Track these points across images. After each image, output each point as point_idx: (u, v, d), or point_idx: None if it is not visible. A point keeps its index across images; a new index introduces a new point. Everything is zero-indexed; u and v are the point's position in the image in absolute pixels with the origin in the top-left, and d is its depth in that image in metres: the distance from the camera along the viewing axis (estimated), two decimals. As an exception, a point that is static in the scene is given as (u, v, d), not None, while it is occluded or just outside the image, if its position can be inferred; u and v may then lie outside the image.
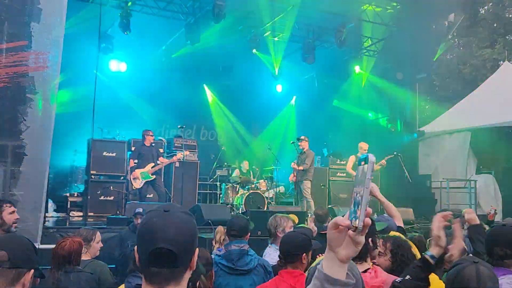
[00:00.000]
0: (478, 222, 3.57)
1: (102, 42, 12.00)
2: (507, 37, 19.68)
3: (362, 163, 1.21)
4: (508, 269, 2.78)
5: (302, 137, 10.83)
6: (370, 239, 2.49)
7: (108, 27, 12.23)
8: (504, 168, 13.26)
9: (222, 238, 4.86)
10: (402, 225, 3.89)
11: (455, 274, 2.20)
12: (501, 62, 16.72)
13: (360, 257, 2.44)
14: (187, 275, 1.49)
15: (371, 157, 1.19)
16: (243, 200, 10.82)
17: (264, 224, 6.59)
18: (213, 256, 4.10)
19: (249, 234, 4.03)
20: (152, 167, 9.80)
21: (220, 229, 5.03)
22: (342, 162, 12.88)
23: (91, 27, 11.34)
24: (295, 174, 10.65)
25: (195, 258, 1.51)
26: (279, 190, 12.85)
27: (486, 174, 13.43)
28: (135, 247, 1.48)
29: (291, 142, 11.82)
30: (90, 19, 11.17)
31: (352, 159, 11.14)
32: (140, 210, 6.43)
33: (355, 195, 1.20)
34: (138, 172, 9.68)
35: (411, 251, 2.97)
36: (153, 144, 10.08)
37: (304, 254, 3.09)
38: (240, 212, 10.32)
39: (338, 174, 12.79)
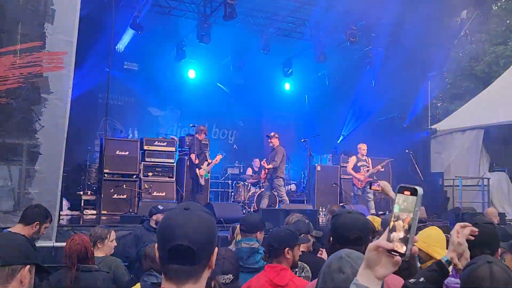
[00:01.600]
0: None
1: (114, 40, 12.08)
2: (521, 34, 19.51)
3: (407, 192, 1.29)
4: None
5: (272, 134, 10.58)
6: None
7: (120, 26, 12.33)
8: (517, 166, 13.16)
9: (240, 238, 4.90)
10: None
11: (467, 274, 2.17)
12: (514, 58, 16.58)
13: None
14: (206, 273, 1.52)
15: (420, 191, 1.27)
16: (255, 198, 10.87)
17: (276, 222, 6.66)
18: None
19: (261, 232, 4.05)
20: (207, 165, 10.08)
21: (239, 229, 5.06)
22: (353, 160, 12.85)
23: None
24: (266, 172, 10.56)
25: (214, 257, 1.54)
26: (291, 188, 12.88)
27: (499, 171, 13.33)
28: (155, 245, 1.52)
29: (302, 140, 11.83)
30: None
31: (353, 159, 11.03)
32: (160, 207, 6.46)
33: (396, 219, 1.27)
34: (202, 170, 9.99)
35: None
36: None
37: (288, 248, 3.13)
38: (251, 210, 10.37)
39: (350, 172, 12.75)
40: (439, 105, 18.60)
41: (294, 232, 3.35)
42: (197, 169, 10.03)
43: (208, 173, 10.20)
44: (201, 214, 1.52)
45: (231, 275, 3.02)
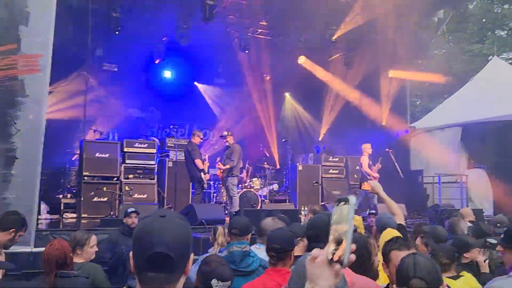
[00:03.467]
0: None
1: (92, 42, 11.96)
2: (496, 32, 19.82)
3: (342, 203, 1.31)
4: None
5: (225, 133, 10.57)
6: None
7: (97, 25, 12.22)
8: (494, 163, 13.33)
9: (223, 240, 4.85)
10: (403, 222, 3.93)
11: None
12: (491, 57, 16.83)
13: None
14: (182, 280, 1.52)
15: (352, 199, 1.30)
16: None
17: (257, 223, 6.64)
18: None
19: (250, 234, 4.04)
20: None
21: (221, 230, 5.01)
22: (334, 159, 12.94)
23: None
24: (221, 171, 10.54)
25: (190, 263, 1.54)
26: (273, 188, 12.90)
27: (478, 168, 13.52)
28: (131, 253, 1.51)
29: (283, 140, 11.88)
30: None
31: (365, 159, 11.29)
32: (133, 209, 6.39)
33: (334, 232, 1.29)
34: (208, 174, 10.19)
35: (367, 249, 2.96)
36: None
37: (292, 250, 3.14)
38: (233, 211, 10.34)
39: (331, 171, 12.84)
40: (418, 103, 18.80)
41: (295, 232, 3.36)
42: (202, 174, 10.02)
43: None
44: (177, 221, 1.51)
45: (230, 282, 2.99)
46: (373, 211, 6.88)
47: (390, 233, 3.70)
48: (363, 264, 2.86)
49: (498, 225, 5.10)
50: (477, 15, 19.68)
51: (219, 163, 10.56)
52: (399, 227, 3.83)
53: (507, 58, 19.94)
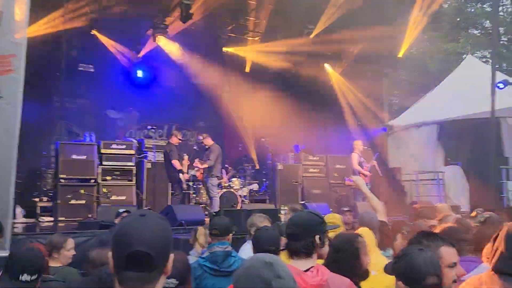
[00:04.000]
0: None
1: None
2: (470, 31, 20.19)
3: None
4: None
5: (201, 137, 10.75)
6: (318, 237, 2.50)
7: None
8: (469, 159, 13.58)
9: (204, 241, 4.83)
10: (385, 219, 3.96)
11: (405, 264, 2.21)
12: (465, 55, 17.13)
13: (307, 254, 2.47)
14: (162, 279, 1.51)
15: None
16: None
17: (238, 223, 6.64)
18: (192, 258, 4.11)
19: (231, 235, 4.02)
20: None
21: (202, 231, 4.99)
22: (314, 158, 12.99)
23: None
24: (201, 172, 10.56)
25: (170, 263, 1.53)
26: (253, 188, 12.89)
27: (454, 165, 13.74)
28: (109, 253, 1.49)
29: (262, 139, 11.91)
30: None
31: (355, 156, 11.35)
32: (124, 209, 6.30)
33: None
34: (186, 174, 10.17)
35: (353, 248, 2.97)
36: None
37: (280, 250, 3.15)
38: (213, 211, 10.30)
39: (311, 170, 12.88)
40: (395, 101, 19.00)
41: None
42: (181, 174, 9.97)
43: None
44: (157, 220, 1.52)
45: (175, 280, 2.92)
46: (347, 208, 6.88)
47: (362, 231, 3.70)
48: (347, 263, 2.87)
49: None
50: (451, 14, 20.01)
51: (197, 161, 10.53)
52: (381, 224, 3.86)
53: (480, 56, 20.35)
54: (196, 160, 10.60)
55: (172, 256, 1.54)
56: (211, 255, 3.65)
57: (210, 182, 10.27)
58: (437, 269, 2.14)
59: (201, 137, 10.51)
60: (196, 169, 10.70)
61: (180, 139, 10.52)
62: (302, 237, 2.51)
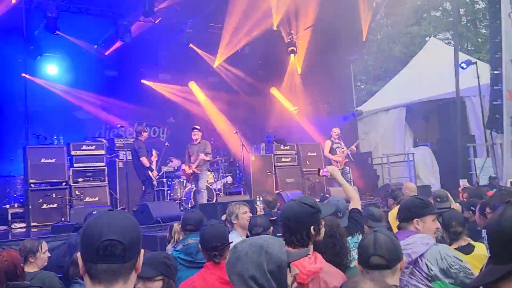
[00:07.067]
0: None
1: (29, 45, 11.55)
2: (432, 13, 20.51)
3: None
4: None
5: (199, 127, 10.70)
6: (312, 227, 2.48)
7: (35, 29, 11.82)
8: (437, 140, 13.90)
9: (180, 237, 4.81)
10: (359, 207, 3.99)
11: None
12: (428, 37, 17.42)
13: (303, 244, 2.47)
14: (134, 276, 1.50)
15: None
16: (191, 194, 10.78)
17: (215, 216, 6.65)
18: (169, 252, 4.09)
19: None
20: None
21: (176, 227, 4.98)
22: (286, 148, 13.06)
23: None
24: (196, 167, 10.27)
25: (141, 259, 1.53)
26: (227, 181, 12.89)
27: (423, 146, 14.04)
28: (78, 253, 1.48)
29: (234, 132, 11.92)
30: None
31: (328, 143, 11.51)
32: (94, 212, 6.23)
33: None
34: (155, 171, 9.99)
35: (339, 230, 3.06)
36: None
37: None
38: (189, 206, 10.28)
39: (283, 159, 12.95)
40: (362, 87, 19.24)
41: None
42: (150, 172, 9.86)
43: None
44: (125, 214, 1.53)
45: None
46: (324, 195, 6.99)
47: None
48: (335, 244, 2.96)
49: (438, 199, 5.29)
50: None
51: (202, 155, 10.17)
52: (354, 211, 3.90)
53: (443, 38, 20.73)
54: (201, 154, 10.36)
55: (143, 251, 1.54)
56: (186, 247, 3.63)
57: (207, 176, 10.59)
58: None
59: (199, 127, 10.57)
60: (189, 166, 10.42)
61: (145, 136, 10.33)
62: (296, 230, 2.48)
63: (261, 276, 1.59)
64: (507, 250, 1.43)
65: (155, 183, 10.13)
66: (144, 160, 9.78)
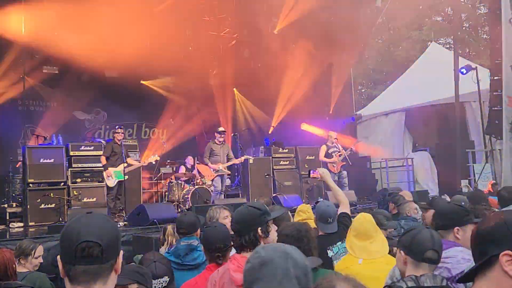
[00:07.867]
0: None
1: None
2: (433, 18, 20.51)
3: None
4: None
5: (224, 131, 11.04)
6: (260, 229, 2.55)
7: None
8: (437, 145, 13.89)
9: (173, 239, 4.82)
10: (348, 211, 3.99)
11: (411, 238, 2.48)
12: (429, 42, 17.45)
13: (253, 247, 2.50)
14: (114, 277, 1.52)
15: None
16: (189, 196, 10.78)
17: (209, 218, 6.63)
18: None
19: (199, 230, 4.02)
20: (124, 167, 9.67)
21: (170, 230, 4.97)
22: (284, 151, 13.05)
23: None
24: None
25: (120, 260, 1.55)
26: (225, 183, 12.88)
27: (422, 151, 14.02)
28: (58, 256, 1.49)
29: (232, 134, 11.94)
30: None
31: (323, 148, 11.51)
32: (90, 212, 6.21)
33: None
34: (111, 170, 9.57)
35: (308, 237, 3.07)
36: (122, 143, 9.92)
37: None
38: (186, 208, 10.28)
39: (281, 162, 12.93)
40: (363, 91, 19.24)
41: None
42: (104, 172, 9.72)
43: (125, 175, 9.85)
44: (104, 217, 1.56)
45: (167, 277, 2.97)
46: (321, 200, 6.97)
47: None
48: (300, 247, 2.94)
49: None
50: (414, 2, 20.28)
51: (234, 159, 10.90)
52: (343, 215, 3.90)
53: (444, 43, 20.74)
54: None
55: (122, 252, 1.56)
56: (175, 250, 3.67)
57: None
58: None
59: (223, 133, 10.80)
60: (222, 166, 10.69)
61: (119, 137, 10.16)
62: (245, 232, 2.57)
63: (287, 282, 1.58)
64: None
65: (109, 184, 9.68)
66: (102, 158, 9.75)
